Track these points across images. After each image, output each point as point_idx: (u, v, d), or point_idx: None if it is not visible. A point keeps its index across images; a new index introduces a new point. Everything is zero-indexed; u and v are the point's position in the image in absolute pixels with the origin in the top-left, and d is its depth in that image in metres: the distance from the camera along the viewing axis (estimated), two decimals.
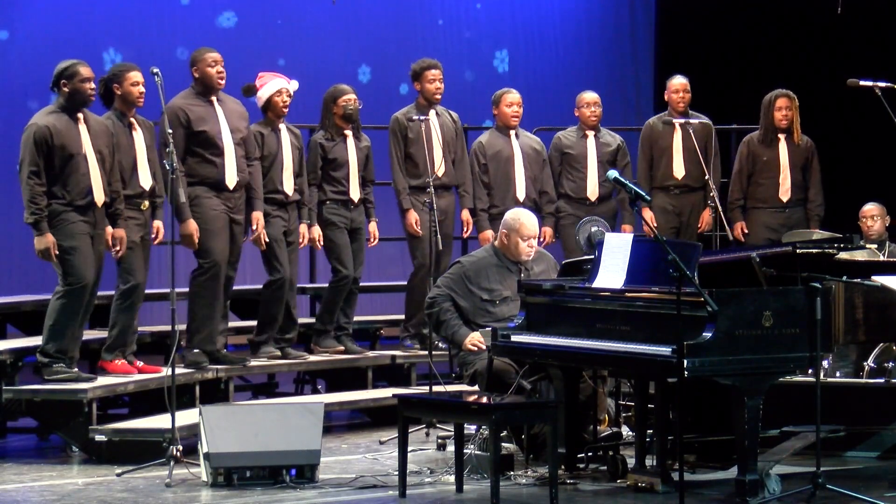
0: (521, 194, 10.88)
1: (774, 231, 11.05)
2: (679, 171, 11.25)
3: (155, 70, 8.48)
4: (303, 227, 10.29)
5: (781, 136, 11.13)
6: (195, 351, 9.64)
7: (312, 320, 10.86)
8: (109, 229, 8.93)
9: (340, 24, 14.49)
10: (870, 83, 8.99)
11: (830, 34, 13.61)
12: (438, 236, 10.15)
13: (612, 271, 7.82)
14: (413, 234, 10.71)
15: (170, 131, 8.61)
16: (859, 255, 8.47)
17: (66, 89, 8.82)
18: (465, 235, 11.08)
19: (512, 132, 10.99)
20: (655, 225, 11.06)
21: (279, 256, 10.07)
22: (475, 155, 10.95)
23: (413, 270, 10.85)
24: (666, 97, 11.42)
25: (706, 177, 11.02)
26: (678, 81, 11.35)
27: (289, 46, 14.26)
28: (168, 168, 8.42)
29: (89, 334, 9.55)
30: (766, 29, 14.42)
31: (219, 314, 9.78)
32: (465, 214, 10.90)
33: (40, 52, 12.88)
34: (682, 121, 11.21)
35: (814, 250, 7.71)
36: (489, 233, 10.77)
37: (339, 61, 14.28)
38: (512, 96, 11.01)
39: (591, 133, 11.23)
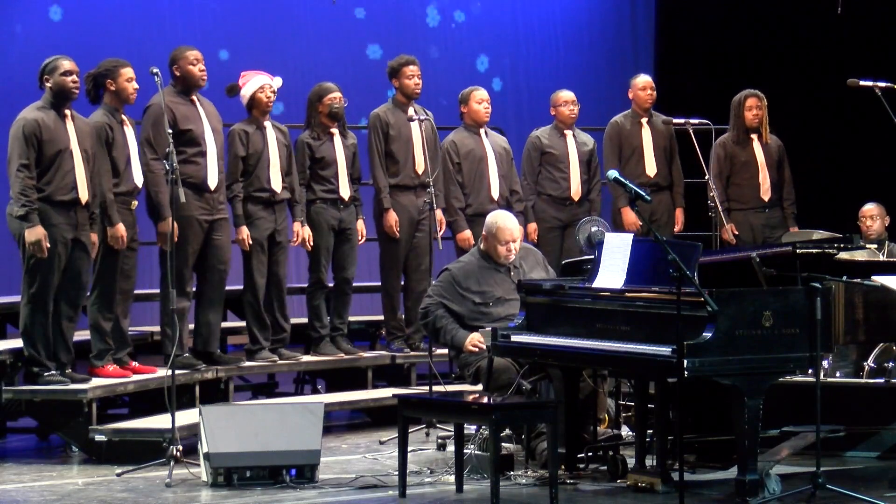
0: (495, 193, 10.81)
1: (757, 231, 11.05)
2: (651, 169, 11.25)
3: (155, 70, 8.46)
4: (296, 226, 10.26)
5: (754, 136, 11.16)
6: (186, 355, 9.50)
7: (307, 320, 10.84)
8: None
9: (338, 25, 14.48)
10: (870, 83, 8.99)
11: (830, 34, 13.60)
12: (439, 237, 10.13)
13: (612, 271, 7.82)
14: (391, 236, 10.64)
15: (170, 131, 8.59)
16: (859, 255, 8.47)
17: (49, 84, 8.79)
18: (438, 236, 10.53)
19: (482, 130, 10.96)
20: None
21: (253, 262, 9.99)
22: (448, 154, 10.86)
23: (386, 273, 10.76)
24: (631, 95, 11.40)
25: (706, 177, 10.96)
26: (644, 79, 11.41)
27: (288, 46, 14.24)
28: (168, 168, 8.40)
29: (81, 335, 9.49)
30: (766, 29, 14.40)
31: (208, 314, 9.73)
32: (440, 214, 10.66)
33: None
34: (647, 118, 11.26)
35: (814, 250, 7.70)
36: (468, 233, 10.73)
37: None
38: (481, 93, 10.96)
39: (568, 132, 11.21)
